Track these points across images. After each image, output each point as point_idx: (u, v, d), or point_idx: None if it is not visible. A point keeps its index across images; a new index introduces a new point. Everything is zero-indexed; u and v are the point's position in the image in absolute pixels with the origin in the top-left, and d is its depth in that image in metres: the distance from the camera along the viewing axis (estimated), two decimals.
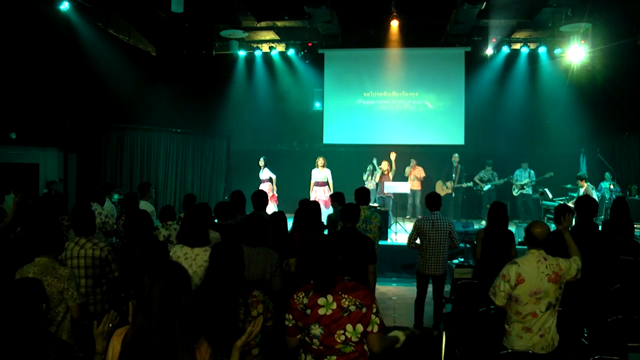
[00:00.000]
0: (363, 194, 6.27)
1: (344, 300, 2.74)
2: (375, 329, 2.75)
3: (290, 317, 2.84)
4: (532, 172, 11.99)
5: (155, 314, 2.07)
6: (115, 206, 9.97)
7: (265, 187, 11.07)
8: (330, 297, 2.76)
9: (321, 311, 2.75)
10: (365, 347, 2.81)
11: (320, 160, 10.95)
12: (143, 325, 2.09)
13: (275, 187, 11.45)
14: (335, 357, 2.77)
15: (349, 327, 2.71)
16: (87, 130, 11.84)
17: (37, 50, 9.98)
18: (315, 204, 5.89)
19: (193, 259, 4.07)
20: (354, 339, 2.73)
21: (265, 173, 11.53)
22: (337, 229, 5.65)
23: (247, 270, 3.63)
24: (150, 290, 2.08)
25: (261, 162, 11.62)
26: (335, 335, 2.73)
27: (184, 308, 2.12)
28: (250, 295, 2.92)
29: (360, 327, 2.72)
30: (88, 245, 4.22)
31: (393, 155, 11.46)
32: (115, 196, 10.39)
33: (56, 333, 3.47)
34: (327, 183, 10.86)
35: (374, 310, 2.76)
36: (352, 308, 2.72)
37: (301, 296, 2.83)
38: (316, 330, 2.76)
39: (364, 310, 2.72)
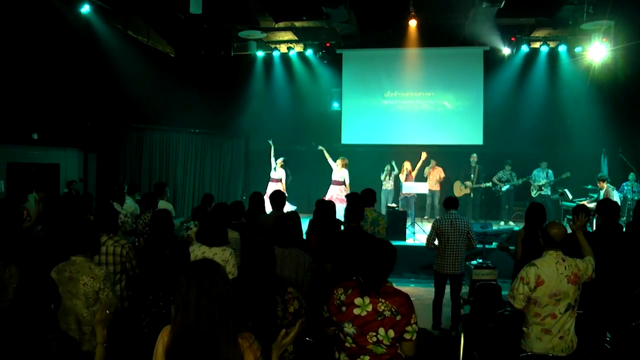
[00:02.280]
0: (369, 195, 6.17)
1: (380, 304, 2.73)
2: (414, 337, 2.75)
3: (326, 309, 2.86)
4: (550, 172, 11.70)
5: (193, 310, 2.13)
6: None
7: (274, 186, 10.95)
8: (367, 299, 2.75)
9: (356, 311, 2.75)
10: (399, 351, 2.79)
11: (340, 161, 10.78)
12: (184, 323, 2.15)
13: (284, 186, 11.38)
14: (368, 357, 2.76)
15: (381, 330, 2.71)
16: (107, 131, 11.98)
17: (58, 53, 10.13)
18: (331, 204, 5.89)
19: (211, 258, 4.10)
20: (385, 342, 2.72)
21: (278, 172, 11.47)
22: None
23: (280, 270, 3.65)
24: (187, 290, 2.15)
25: (280, 162, 11.57)
26: (367, 336, 2.73)
27: (221, 300, 2.16)
28: (285, 292, 2.94)
29: (392, 333, 2.71)
30: (109, 243, 4.28)
31: (424, 155, 11.35)
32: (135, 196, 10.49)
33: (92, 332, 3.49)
34: (343, 182, 10.81)
35: (413, 320, 2.74)
36: (387, 313, 2.71)
37: (340, 292, 2.83)
38: (349, 328, 2.76)
39: (398, 317, 2.71)
